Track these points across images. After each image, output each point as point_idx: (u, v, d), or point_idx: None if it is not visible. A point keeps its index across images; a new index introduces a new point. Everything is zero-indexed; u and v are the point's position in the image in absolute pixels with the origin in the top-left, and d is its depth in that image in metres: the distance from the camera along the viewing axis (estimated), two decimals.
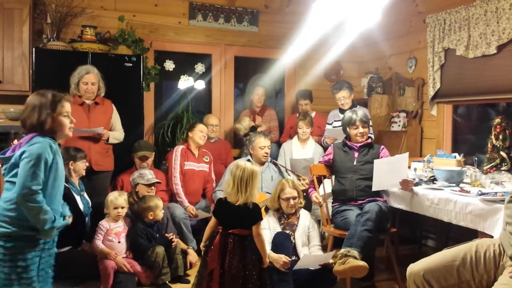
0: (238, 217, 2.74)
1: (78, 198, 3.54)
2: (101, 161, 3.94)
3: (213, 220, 2.89)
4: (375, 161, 3.41)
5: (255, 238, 2.74)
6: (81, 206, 3.54)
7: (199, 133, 4.27)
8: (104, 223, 3.42)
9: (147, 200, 3.53)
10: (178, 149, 4.27)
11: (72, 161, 3.55)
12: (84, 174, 3.64)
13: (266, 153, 4.17)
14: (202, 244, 2.94)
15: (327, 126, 4.81)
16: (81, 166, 3.60)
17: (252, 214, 2.74)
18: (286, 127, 5.26)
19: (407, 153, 3.40)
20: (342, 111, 4.63)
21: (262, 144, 4.18)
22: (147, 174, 3.77)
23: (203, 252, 2.87)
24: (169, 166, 4.24)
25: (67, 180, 3.52)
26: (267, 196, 4.02)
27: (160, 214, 3.53)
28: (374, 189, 3.40)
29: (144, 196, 3.61)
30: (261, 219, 2.79)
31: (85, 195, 3.67)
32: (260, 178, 4.15)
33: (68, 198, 3.43)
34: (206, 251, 2.84)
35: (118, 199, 3.43)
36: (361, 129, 3.59)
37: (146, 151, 4.10)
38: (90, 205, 3.67)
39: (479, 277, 2.25)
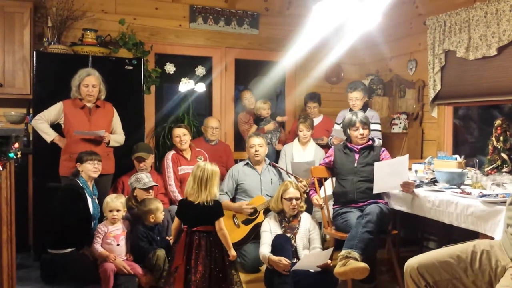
0: (201, 215, 2.92)
1: (89, 200, 3.56)
2: (103, 164, 3.91)
3: (176, 221, 3.11)
4: (376, 163, 3.40)
5: (218, 233, 2.94)
6: (91, 208, 3.55)
7: (176, 139, 4.26)
8: (102, 227, 3.41)
9: (147, 203, 3.52)
10: (168, 156, 4.27)
11: (78, 163, 3.58)
12: (94, 176, 3.63)
13: (257, 151, 4.17)
14: (171, 240, 3.20)
15: (335, 126, 4.77)
16: (88, 167, 3.58)
17: (214, 211, 2.95)
18: (292, 130, 5.26)
19: (407, 155, 3.40)
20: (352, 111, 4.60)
21: (251, 143, 4.19)
22: (144, 178, 3.76)
23: (173, 252, 3.05)
24: (163, 175, 4.23)
25: (82, 181, 3.54)
26: (265, 199, 4.02)
27: (161, 216, 3.53)
28: (375, 191, 3.39)
29: (144, 200, 3.61)
30: (223, 214, 2.99)
31: (96, 200, 3.68)
32: (258, 180, 4.19)
33: (80, 196, 3.46)
34: (174, 250, 3.00)
35: (114, 201, 3.42)
36: (361, 130, 3.58)
37: (142, 153, 4.08)
38: (99, 210, 3.66)
39: (473, 276, 2.27)
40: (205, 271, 2.85)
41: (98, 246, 3.35)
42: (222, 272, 2.92)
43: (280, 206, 3.52)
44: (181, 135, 4.27)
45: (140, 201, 3.65)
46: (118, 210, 3.42)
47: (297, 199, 3.46)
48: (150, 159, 4.15)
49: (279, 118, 5.18)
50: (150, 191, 3.74)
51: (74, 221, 3.41)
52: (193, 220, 2.95)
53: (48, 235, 3.58)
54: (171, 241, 3.22)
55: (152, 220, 3.48)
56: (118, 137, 4.04)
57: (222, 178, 4.33)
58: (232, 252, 2.99)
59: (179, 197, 4.09)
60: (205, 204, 2.92)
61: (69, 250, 3.40)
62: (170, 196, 4.14)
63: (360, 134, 3.59)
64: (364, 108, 4.57)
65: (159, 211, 3.50)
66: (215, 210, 2.97)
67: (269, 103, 5.09)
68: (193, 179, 2.97)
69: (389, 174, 3.30)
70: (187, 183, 3.05)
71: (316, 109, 5.08)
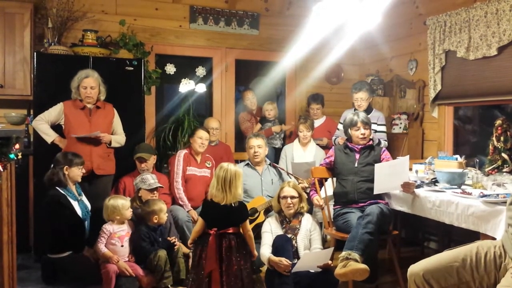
0: (228, 217, 2.89)
1: (75, 203, 3.53)
2: (103, 165, 3.94)
3: (200, 222, 2.98)
4: (376, 165, 3.40)
5: (245, 234, 2.94)
6: (78, 211, 3.52)
7: (198, 140, 4.25)
8: (107, 227, 3.41)
9: (151, 204, 3.53)
10: (181, 153, 4.27)
11: (67, 166, 3.54)
12: (79, 180, 3.61)
13: (256, 152, 4.17)
14: (189, 242, 3.05)
15: (339, 126, 4.77)
16: (77, 172, 3.56)
17: (240, 212, 2.94)
18: (293, 131, 5.26)
19: (408, 156, 3.40)
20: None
21: (250, 144, 4.21)
22: (149, 179, 3.76)
23: (197, 256, 2.93)
24: (171, 170, 4.23)
25: (63, 186, 3.52)
26: (266, 200, 4.02)
27: (164, 217, 3.53)
28: (375, 192, 3.39)
29: (148, 200, 3.61)
30: (248, 216, 2.99)
31: (84, 199, 3.66)
32: (259, 180, 4.19)
33: (63, 204, 3.44)
34: (200, 254, 2.90)
35: (120, 206, 3.44)
36: (362, 130, 3.58)
37: (143, 153, 4.08)
38: (89, 210, 3.66)
39: (479, 278, 2.25)
40: (238, 272, 2.83)
41: (102, 246, 3.35)
42: (252, 272, 2.92)
43: (278, 206, 3.52)
44: (204, 138, 4.27)
45: (144, 202, 3.66)
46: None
47: (292, 197, 3.44)
48: (152, 159, 4.15)
49: (284, 127, 5.20)
50: (155, 192, 3.74)
51: (64, 228, 3.41)
52: (221, 221, 2.90)
53: (45, 240, 3.58)
54: (189, 242, 3.11)
55: (155, 221, 3.48)
56: (119, 138, 4.04)
57: None
58: (255, 253, 3.01)
59: (183, 195, 4.10)
60: (232, 206, 2.90)
61: (68, 253, 3.41)
62: (173, 192, 4.14)
63: (362, 134, 3.59)
64: (369, 108, 4.55)
65: (162, 212, 3.51)
66: (242, 211, 2.96)
67: (274, 104, 5.13)
68: (217, 180, 2.92)
69: (390, 175, 3.29)
70: (211, 184, 2.99)
71: (319, 111, 5.09)
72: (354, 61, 5.94)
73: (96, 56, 4.35)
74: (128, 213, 3.47)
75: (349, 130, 3.66)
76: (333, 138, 4.78)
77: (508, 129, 3.25)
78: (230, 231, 2.90)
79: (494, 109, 4.58)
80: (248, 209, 4.00)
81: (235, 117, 5.53)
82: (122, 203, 3.45)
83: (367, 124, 3.60)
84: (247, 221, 2.97)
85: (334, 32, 5.23)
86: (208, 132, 4.38)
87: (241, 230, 2.98)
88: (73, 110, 3.88)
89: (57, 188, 3.49)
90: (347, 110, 4.80)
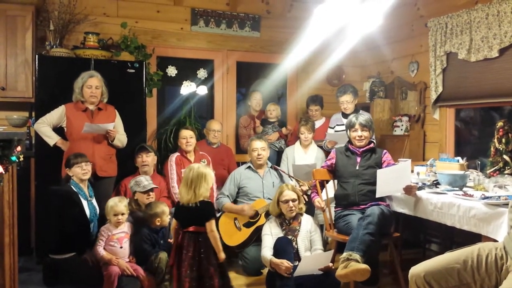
0: (191, 216, 2.93)
1: (85, 203, 3.55)
2: (105, 167, 3.95)
3: (174, 222, 3.11)
4: (378, 171, 3.39)
5: (208, 234, 2.92)
6: (87, 212, 3.54)
7: (182, 141, 4.30)
8: (105, 229, 3.41)
9: (153, 206, 3.52)
10: (172, 158, 4.29)
11: (67, 168, 3.59)
12: (85, 178, 3.62)
13: (259, 155, 4.17)
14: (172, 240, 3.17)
15: (329, 130, 4.80)
16: (77, 171, 3.58)
17: (204, 212, 2.93)
18: (293, 132, 5.26)
19: (410, 161, 3.40)
20: (344, 115, 4.61)
21: (254, 146, 4.19)
22: (143, 181, 3.76)
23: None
24: (166, 176, 4.24)
25: (75, 184, 3.54)
26: (266, 202, 4.02)
27: (166, 219, 3.53)
28: (378, 195, 3.38)
29: (150, 203, 3.61)
30: (214, 216, 2.98)
31: (94, 201, 3.68)
32: (260, 183, 4.18)
33: (74, 202, 3.46)
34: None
35: (118, 205, 3.41)
36: (359, 132, 3.59)
37: (143, 149, 4.11)
38: (98, 212, 3.66)
39: (480, 280, 2.25)
40: (191, 272, 2.86)
41: (100, 249, 3.35)
42: (217, 273, 2.90)
43: (277, 210, 3.52)
44: (188, 137, 4.29)
45: (146, 204, 3.66)
46: (122, 214, 3.42)
47: (293, 200, 3.46)
48: (152, 156, 4.15)
49: (284, 130, 5.19)
50: (151, 193, 3.74)
51: (71, 227, 3.41)
52: (185, 221, 2.97)
53: (48, 240, 3.58)
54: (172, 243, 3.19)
55: (158, 224, 3.48)
56: (122, 137, 4.05)
57: (223, 181, 4.35)
58: (221, 255, 2.94)
59: None
60: (195, 205, 2.90)
61: (70, 254, 3.40)
62: (172, 197, 4.14)
63: (358, 136, 3.59)
64: (356, 111, 4.57)
65: (165, 214, 3.51)
66: (206, 211, 2.94)
67: (277, 105, 5.14)
68: (182, 180, 3.00)
69: (392, 180, 3.29)
70: (180, 184, 3.07)
71: (318, 112, 5.09)
72: (355, 63, 5.94)
73: (97, 58, 4.36)
74: (114, 218, 3.41)
75: (348, 131, 3.68)
76: (323, 142, 4.77)
77: (510, 131, 3.25)
78: (192, 230, 2.92)
79: (496, 111, 4.58)
80: None
81: (237, 119, 5.54)
82: (110, 206, 3.44)
83: (365, 126, 3.60)
84: (212, 221, 2.92)
85: (336, 34, 5.23)
86: (193, 130, 4.39)
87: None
88: (75, 112, 3.88)
89: (70, 185, 3.53)
90: (335, 114, 4.83)
